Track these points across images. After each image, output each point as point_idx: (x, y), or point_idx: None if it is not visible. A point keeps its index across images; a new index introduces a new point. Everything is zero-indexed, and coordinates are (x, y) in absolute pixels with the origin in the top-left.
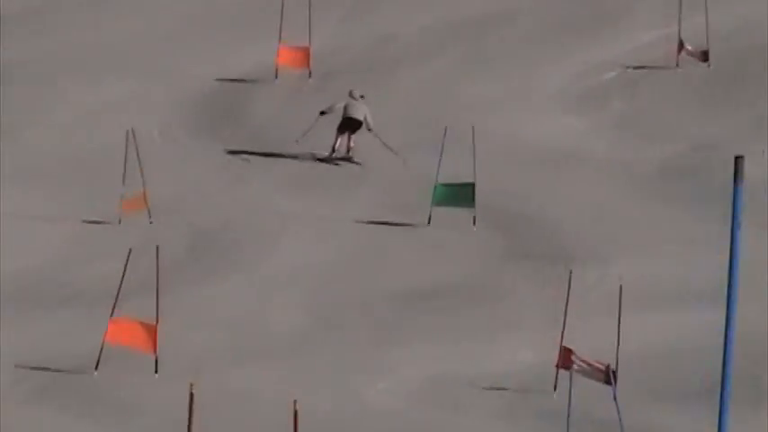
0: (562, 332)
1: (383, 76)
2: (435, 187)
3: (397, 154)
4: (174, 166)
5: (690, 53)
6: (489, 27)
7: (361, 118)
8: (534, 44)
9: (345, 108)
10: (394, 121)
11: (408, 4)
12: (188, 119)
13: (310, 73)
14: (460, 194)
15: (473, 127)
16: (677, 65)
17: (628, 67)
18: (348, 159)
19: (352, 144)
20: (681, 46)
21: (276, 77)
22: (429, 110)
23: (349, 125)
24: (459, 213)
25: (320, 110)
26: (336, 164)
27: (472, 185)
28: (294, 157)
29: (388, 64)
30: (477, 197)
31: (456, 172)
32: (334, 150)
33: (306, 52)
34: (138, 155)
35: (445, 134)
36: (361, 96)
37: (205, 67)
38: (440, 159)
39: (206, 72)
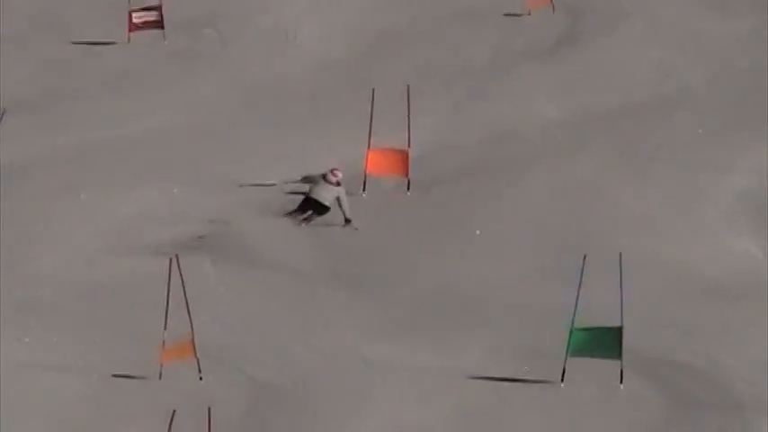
0: None
1: (501, 184)
2: (571, 333)
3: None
4: (230, 304)
5: None
6: (639, 118)
7: (327, 203)
8: (700, 142)
9: (311, 187)
10: (515, 240)
11: (532, 90)
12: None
13: (409, 183)
14: (603, 342)
15: (620, 253)
16: None
17: None
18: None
19: (308, 223)
20: None
21: (364, 190)
22: (560, 228)
23: (312, 206)
24: (602, 365)
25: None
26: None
27: (618, 330)
28: None
29: (507, 168)
30: (624, 344)
31: (597, 311)
32: (289, 215)
33: (403, 157)
34: (183, 288)
35: (584, 263)
36: (338, 183)
37: (268, 175)
38: (577, 296)
39: (269, 181)
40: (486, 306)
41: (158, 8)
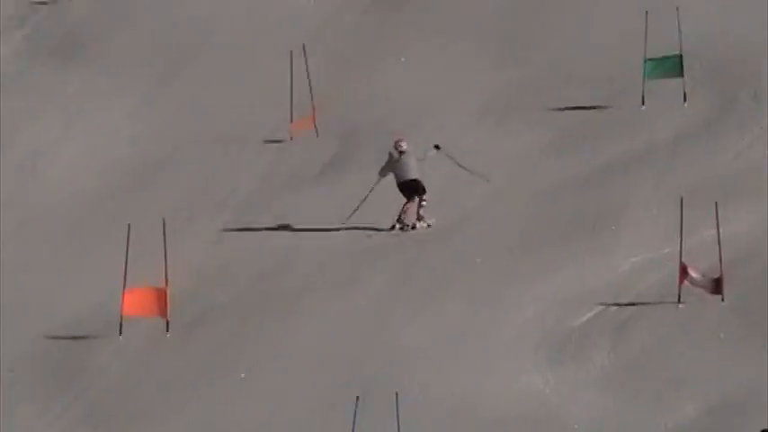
0: None
1: (269, 321)
2: None
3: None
4: None
5: (695, 282)
6: (417, 247)
7: (418, 175)
8: (480, 272)
9: (397, 172)
10: (284, 381)
11: (300, 218)
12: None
13: (168, 324)
14: None
15: (396, 393)
16: (679, 300)
17: (610, 305)
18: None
19: (423, 205)
20: (684, 273)
21: (120, 331)
22: (335, 366)
23: (411, 188)
24: None
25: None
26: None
27: None
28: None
29: (277, 303)
30: None
31: None
32: (399, 220)
33: (160, 295)
34: None
35: (357, 404)
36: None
37: (8, 325)
38: None
39: (30, 327)
40: None
41: None
